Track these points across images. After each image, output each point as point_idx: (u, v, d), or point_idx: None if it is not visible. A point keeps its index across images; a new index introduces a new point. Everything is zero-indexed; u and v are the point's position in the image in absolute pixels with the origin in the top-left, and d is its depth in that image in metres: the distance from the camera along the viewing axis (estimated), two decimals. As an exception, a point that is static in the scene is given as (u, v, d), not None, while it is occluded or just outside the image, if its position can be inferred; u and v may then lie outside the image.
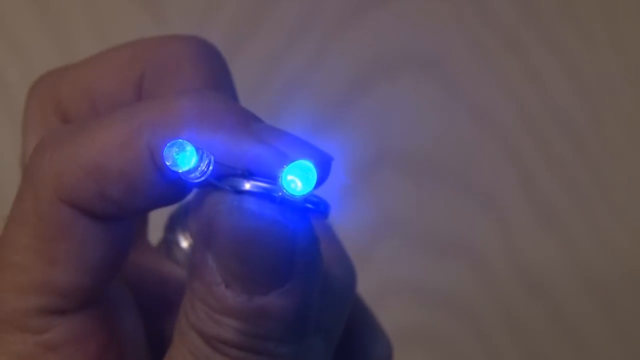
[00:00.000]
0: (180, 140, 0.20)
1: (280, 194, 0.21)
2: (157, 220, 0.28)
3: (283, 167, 0.21)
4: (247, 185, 0.21)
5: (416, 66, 0.49)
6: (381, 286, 0.47)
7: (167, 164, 0.20)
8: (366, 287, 0.47)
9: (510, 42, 0.49)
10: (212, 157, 0.21)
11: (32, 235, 0.23)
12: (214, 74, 0.26)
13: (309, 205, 0.22)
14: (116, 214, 0.22)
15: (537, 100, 0.49)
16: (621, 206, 0.48)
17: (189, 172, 0.20)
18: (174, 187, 0.22)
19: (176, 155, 0.20)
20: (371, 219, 0.47)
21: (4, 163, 0.47)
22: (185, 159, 0.20)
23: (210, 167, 0.21)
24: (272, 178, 0.21)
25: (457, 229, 0.47)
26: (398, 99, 0.48)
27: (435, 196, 0.48)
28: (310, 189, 0.21)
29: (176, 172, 0.20)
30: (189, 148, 0.20)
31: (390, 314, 0.47)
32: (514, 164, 0.48)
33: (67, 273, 0.22)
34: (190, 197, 0.24)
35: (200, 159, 0.20)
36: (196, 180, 0.21)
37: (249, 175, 0.22)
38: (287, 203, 0.21)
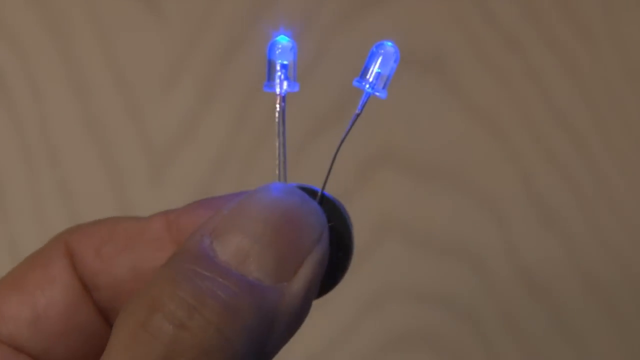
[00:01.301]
0: (284, 35, 0.23)
1: (320, 193, 0.23)
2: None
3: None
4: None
5: (416, 66, 0.49)
6: (381, 286, 0.47)
7: (269, 54, 0.23)
8: (366, 287, 0.47)
9: (510, 42, 0.49)
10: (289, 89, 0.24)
11: None
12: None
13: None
14: None
15: (537, 100, 0.49)
16: (621, 206, 0.48)
17: (282, 67, 0.23)
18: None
19: (278, 47, 0.23)
20: (371, 219, 0.47)
21: (4, 162, 0.47)
22: (285, 53, 0.24)
23: (286, 88, 0.24)
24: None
25: (457, 229, 0.47)
26: (398, 99, 0.48)
27: (435, 196, 0.48)
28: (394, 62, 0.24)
29: (272, 63, 0.22)
30: (291, 45, 0.23)
31: (390, 314, 0.47)
32: (514, 164, 0.48)
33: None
34: None
35: (291, 64, 0.23)
36: (274, 87, 0.24)
37: None
38: (324, 202, 0.22)
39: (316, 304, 0.51)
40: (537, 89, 0.49)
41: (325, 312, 0.46)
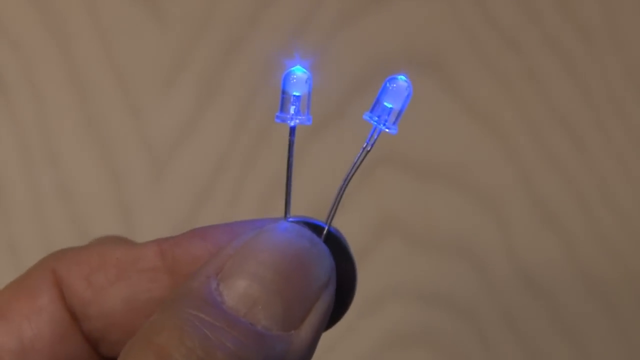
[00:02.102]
0: (300, 67, 0.22)
1: (326, 229, 0.22)
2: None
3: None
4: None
5: (416, 66, 0.48)
6: (381, 286, 0.47)
7: (283, 84, 0.22)
8: (366, 287, 0.47)
9: (510, 42, 0.49)
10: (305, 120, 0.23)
11: None
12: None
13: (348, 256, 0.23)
14: None
15: (537, 100, 0.49)
16: (621, 206, 0.48)
17: (295, 99, 0.22)
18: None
19: (293, 78, 0.22)
20: (371, 219, 0.47)
21: (4, 163, 0.47)
22: (300, 84, 0.22)
23: (297, 121, 0.23)
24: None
25: (457, 229, 0.47)
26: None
27: (435, 196, 0.48)
28: (407, 95, 0.23)
29: (286, 94, 0.22)
30: (306, 76, 0.22)
31: (390, 314, 0.47)
32: (514, 164, 0.48)
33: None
34: None
35: (305, 96, 0.22)
36: (286, 119, 0.23)
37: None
38: (330, 239, 0.22)
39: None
40: (537, 89, 0.49)
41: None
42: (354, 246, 0.51)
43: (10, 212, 0.47)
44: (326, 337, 0.46)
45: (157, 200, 0.47)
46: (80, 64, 0.48)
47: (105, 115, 0.48)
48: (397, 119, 0.23)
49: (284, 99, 0.23)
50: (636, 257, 0.47)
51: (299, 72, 0.23)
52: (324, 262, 0.22)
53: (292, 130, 0.23)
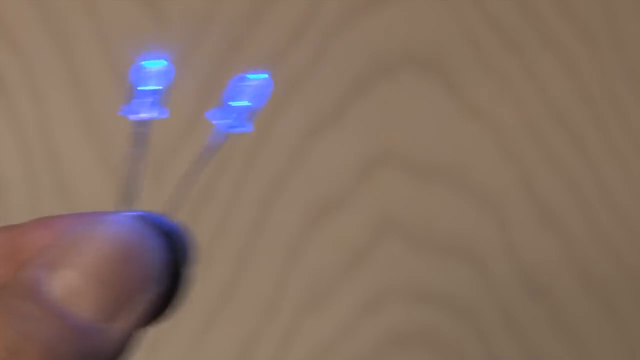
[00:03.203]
0: (151, 60, 0.22)
1: (164, 224, 0.22)
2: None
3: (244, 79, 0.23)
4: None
5: (416, 66, 0.49)
6: (381, 286, 0.47)
7: (131, 78, 0.22)
8: (366, 287, 0.47)
9: (510, 42, 0.49)
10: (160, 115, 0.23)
11: None
12: None
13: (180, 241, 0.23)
14: None
15: (537, 100, 0.49)
16: (621, 206, 0.48)
17: (149, 93, 0.22)
18: None
19: (142, 72, 0.22)
20: (371, 219, 0.47)
21: (4, 162, 0.47)
22: (150, 78, 0.22)
23: (143, 115, 0.22)
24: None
25: (457, 229, 0.47)
26: (398, 99, 0.48)
27: (435, 196, 0.48)
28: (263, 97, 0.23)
29: (134, 87, 0.22)
30: (157, 70, 0.22)
31: (390, 314, 0.47)
32: (514, 164, 0.48)
33: None
34: None
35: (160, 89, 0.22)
36: (130, 112, 0.22)
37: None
38: (169, 236, 0.22)
39: (316, 303, 0.50)
40: (537, 89, 0.49)
41: (325, 312, 0.46)
42: (354, 246, 0.51)
43: (10, 212, 0.47)
44: (326, 337, 0.46)
45: (157, 200, 0.47)
46: (80, 64, 0.48)
47: (105, 116, 0.48)
48: (249, 117, 0.23)
49: (132, 92, 0.23)
50: (636, 256, 0.47)
51: (149, 65, 0.23)
52: (152, 257, 0.22)
53: (141, 123, 0.23)
